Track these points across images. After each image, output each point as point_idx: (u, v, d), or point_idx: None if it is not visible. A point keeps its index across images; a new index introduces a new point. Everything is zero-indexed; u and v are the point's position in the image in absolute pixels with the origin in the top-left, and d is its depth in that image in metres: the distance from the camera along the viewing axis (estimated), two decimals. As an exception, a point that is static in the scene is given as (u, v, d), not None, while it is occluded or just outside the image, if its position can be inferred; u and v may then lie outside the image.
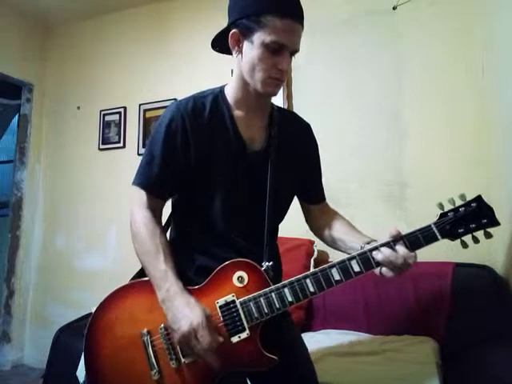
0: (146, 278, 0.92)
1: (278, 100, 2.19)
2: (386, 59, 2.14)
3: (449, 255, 1.77)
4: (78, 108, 3.01)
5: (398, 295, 1.73)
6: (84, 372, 0.94)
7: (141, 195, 0.96)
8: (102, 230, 2.79)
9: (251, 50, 0.88)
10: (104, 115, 2.88)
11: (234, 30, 0.91)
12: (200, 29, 2.62)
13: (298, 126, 1.11)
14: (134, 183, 0.97)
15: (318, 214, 1.14)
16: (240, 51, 0.92)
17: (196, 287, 0.91)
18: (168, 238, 1.00)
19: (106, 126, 2.87)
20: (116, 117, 2.84)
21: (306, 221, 1.18)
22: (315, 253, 1.98)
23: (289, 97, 2.31)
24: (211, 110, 0.96)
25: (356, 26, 2.21)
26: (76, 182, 2.94)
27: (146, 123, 2.72)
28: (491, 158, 1.76)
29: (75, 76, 3.06)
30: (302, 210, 1.17)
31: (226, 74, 2.46)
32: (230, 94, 0.99)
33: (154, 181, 0.95)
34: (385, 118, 2.11)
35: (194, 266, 0.96)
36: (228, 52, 0.97)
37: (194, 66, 2.63)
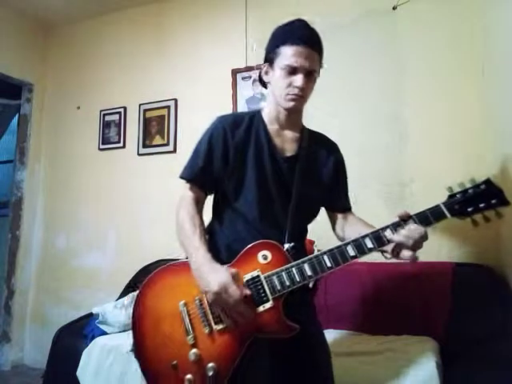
0: (183, 260, 1.07)
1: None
2: (386, 59, 2.14)
3: (449, 255, 1.77)
4: (78, 108, 3.01)
5: (398, 295, 1.74)
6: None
7: (186, 191, 1.13)
8: (102, 229, 2.79)
9: (274, 74, 1.11)
10: (104, 115, 2.88)
11: (264, 64, 1.15)
12: (199, 29, 2.61)
13: (325, 144, 1.25)
14: (182, 176, 1.15)
15: (342, 222, 1.24)
16: (269, 79, 1.14)
17: (225, 266, 1.02)
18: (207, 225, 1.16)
19: (105, 125, 2.87)
20: (116, 117, 2.84)
21: (333, 231, 1.27)
22: (315, 252, 1.98)
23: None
24: (249, 122, 1.16)
25: (356, 26, 2.21)
26: (76, 181, 2.94)
27: (146, 123, 2.72)
28: (491, 157, 1.76)
29: (75, 76, 3.06)
30: (329, 220, 1.28)
31: (225, 74, 2.47)
32: (266, 113, 1.18)
33: (198, 172, 1.13)
34: (385, 118, 2.11)
35: (227, 251, 1.10)
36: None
37: (193, 65, 2.63)
